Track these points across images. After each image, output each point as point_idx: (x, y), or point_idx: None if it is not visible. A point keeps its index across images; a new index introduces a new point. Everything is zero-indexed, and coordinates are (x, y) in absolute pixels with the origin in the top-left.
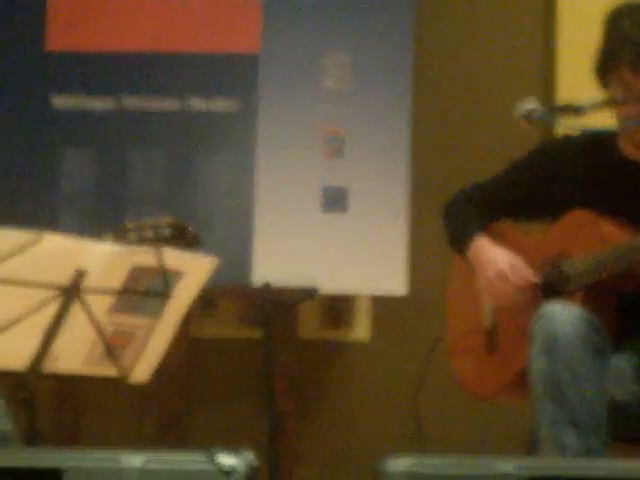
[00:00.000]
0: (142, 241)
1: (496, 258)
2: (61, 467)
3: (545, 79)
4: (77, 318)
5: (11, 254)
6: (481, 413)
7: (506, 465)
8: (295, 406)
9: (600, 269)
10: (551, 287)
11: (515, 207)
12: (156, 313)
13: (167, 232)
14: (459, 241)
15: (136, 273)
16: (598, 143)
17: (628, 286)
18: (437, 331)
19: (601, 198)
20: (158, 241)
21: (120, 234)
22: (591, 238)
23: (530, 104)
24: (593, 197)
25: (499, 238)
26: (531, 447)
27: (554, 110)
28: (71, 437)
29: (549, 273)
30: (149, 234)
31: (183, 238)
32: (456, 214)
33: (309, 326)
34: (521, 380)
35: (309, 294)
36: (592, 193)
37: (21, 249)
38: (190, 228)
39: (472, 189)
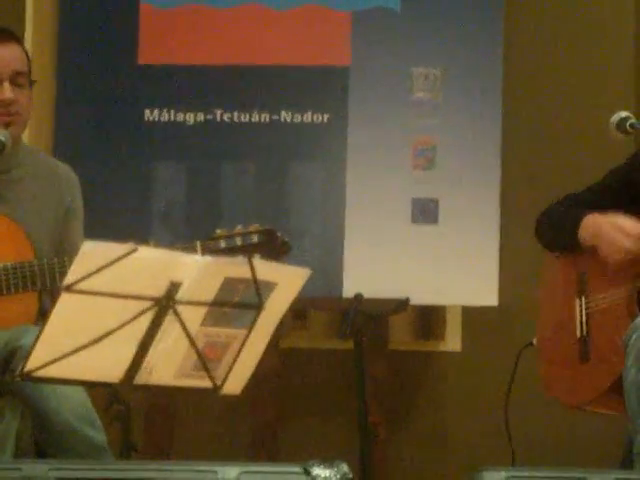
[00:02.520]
0: (231, 249)
1: (612, 219)
2: (157, 478)
3: (637, 90)
4: (170, 330)
5: (106, 266)
6: (572, 423)
7: (605, 478)
8: (386, 417)
9: None
10: None
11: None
12: (249, 325)
13: (256, 238)
14: (565, 231)
15: (229, 284)
16: None
17: None
18: (527, 341)
19: None
20: (247, 248)
21: (209, 242)
22: None
23: (623, 113)
24: None
25: None
26: (626, 461)
27: None
28: (164, 449)
29: None
30: (238, 241)
31: (272, 244)
32: (556, 214)
33: (400, 337)
34: (615, 391)
35: (401, 305)
36: None
37: (116, 261)
38: (279, 234)
39: (566, 199)
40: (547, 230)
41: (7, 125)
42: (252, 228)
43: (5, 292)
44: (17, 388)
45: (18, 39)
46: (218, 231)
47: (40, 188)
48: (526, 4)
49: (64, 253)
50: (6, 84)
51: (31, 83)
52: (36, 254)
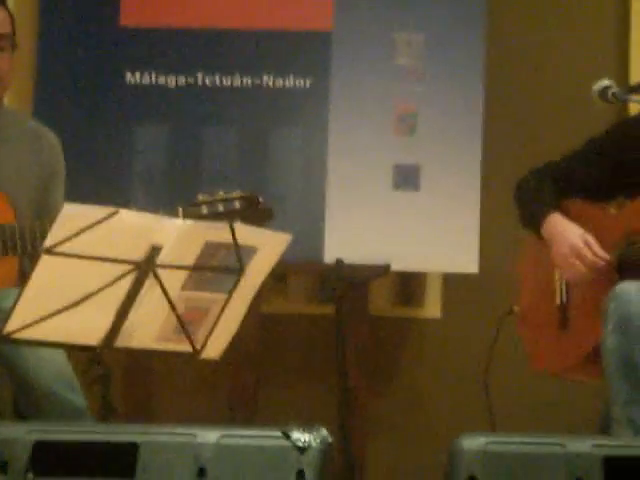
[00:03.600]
0: (213, 214)
1: (569, 234)
2: (137, 441)
3: (619, 59)
4: (151, 294)
5: (86, 229)
6: (551, 389)
7: (582, 445)
8: (366, 382)
9: None
10: (627, 265)
11: (589, 186)
12: (229, 289)
13: (238, 204)
14: (533, 218)
15: (210, 249)
16: None
17: None
18: (507, 308)
19: None
20: (229, 214)
21: (191, 207)
22: None
23: (605, 82)
24: None
25: (574, 214)
26: (603, 427)
27: (629, 89)
28: (144, 412)
29: (625, 251)
30: (220, 207)
31: (254, 211)
32: (529, 192)
33: (380, 303)
34: (593, 358)
35: (381, 271)
36: None
37: (96, 224)
38: (261, 200)
39: (545, 167)
40: (519, 207)
41: None
42: (234, 194)
43: None
44: None
45: (2, 1)
46: (200, 197)
47: (22, 152)
48: None
49: (45, 217)
50: None
51: (14, 46)
52: (17, 218)
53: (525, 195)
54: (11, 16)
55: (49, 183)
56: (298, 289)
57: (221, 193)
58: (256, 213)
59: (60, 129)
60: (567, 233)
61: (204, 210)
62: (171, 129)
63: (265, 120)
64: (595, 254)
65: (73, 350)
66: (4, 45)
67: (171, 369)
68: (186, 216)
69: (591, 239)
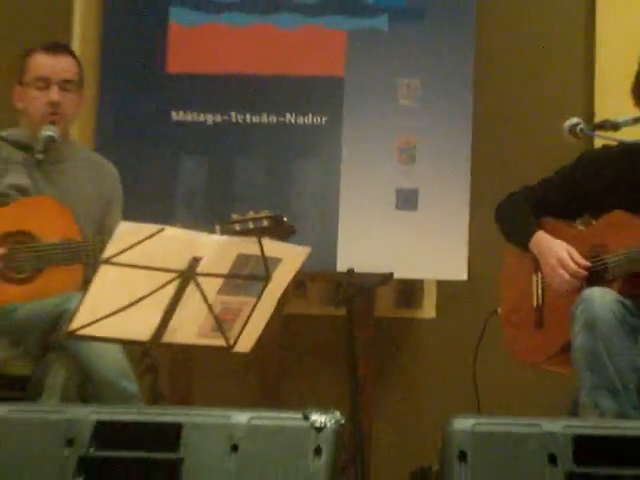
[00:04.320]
0: (245, 231)
1: (556, 248)
2: (180, 422)
3: (586, 100)
4: (192, 297)
5: (138, 243)
6: (529, 378)
7: (555, 425)
8: (372, 372)
9: (635, 262)
10: (592, 275)
11: (560, 207)
12: (258, 294)
13: (265, 223)
14: (520, 235)
15: (241, 260)
16: (632, 153)
17: None
18: (491, 309)
19: (635, 200)
20: (258, 230)
21: (227, 225)
22: (628, 236)
23: (573, 120)
24: (628, 199)
25: (548, 231)
26: (573, 409)
27: (594, 126)
28: (185, 398)
29: (591, 263)
30: (250, 225)
31: (279, 228)
32: (513, 213)
33: (384, 305)
34: (564, 352)
35: (385, 279)
36: (627, 196)
37: (147, 239)
38: (285, 219)
39: (522, 192)
40: (504, 225)
41: (52, 123)
42: (262, 214)
43: (55, 264)
44: (64, 345)
45: (72, 52)
46: (234, 216)
47: (86, 180)
48: (492, 31)
49: (104, 234)
50: (55, 88)
51: (80, 89)
52: (81, 234)
53: (508, 215)
54: (78, 63)
55: (108, 207)
56: (315, 294)
57: (251, 213)
58: (281, 230)
59: (117, 159)
60: (553, 248)
61: (237, 227)
62: (209, 159)
63: (288, 151)
64: (578, 264)
65: (127, 345)
66: (70, 88)
67: (209, 361)
68: (222, 232)
69: (574, 251)
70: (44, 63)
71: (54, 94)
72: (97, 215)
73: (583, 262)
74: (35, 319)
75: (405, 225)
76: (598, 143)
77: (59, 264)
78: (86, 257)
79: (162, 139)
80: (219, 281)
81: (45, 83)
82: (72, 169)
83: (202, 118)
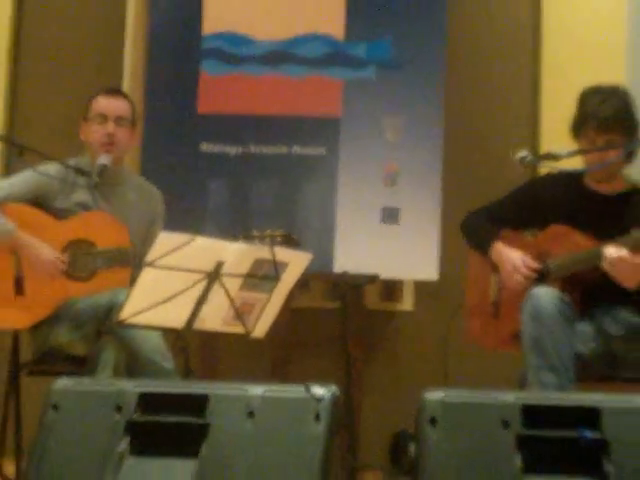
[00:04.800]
0: (262, 242)
1: (512, 256)
2: (207, 393)
3: (533, 133)
4: (217, 293)
5: (174, 250)
6: (488, 357)
7: (508, 396)
8: (362, 355)
9: (573, 265)
10: (538, 275)
11: (513, 222)
12: (270, 291)
13: (279, 239)
14: (483, 245)
15: (257, 263)
16: (571, 179)
17: (590, 277)
18: (458, 303)
19: (574, 217)
20: (272, 242)
21: (249, 239)
22: (568, 244)
23: (523, 152)
24: (568, 216)
25: (504, 240)
26: (522, 384)
27: (539, 157)
28: (212, 374)
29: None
30: (267, 241)
31: (289, 242)
32: (475, 226)
33: (371, 300)
34: (515, 338)
35: (372, 279)
36: (567, 214)
37: (181, 246)
38: (294, 236)
39: (482, 209)
40: (468, 238)
41: (107, 152)
42: (277, 232)
43: (108, 266)
44: (115, 331)
45: (126, 95)
46: (255, 231)
47: (135, 200)
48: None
49: (148, 245)
50: (111, 123)
51: (133, 125)
52: (131, 243)
53: (472, 228)
54: (131, 104)
55: (152, 223)
56: (316, 291)
57: (269, 231)
58: (290, 243)
59: (159, 183)
60: (509, 256)
61: (256, 240)
62: (231, 183)
63: (294, 177)
64: (530, 267)
65: (165, 331)
66: (124, 124)
67: (231, 344)
68: (244, 241)
69: (527, 258)
70: (103, 103)
71: (110, 127)
72: (143, 228)
73: (535, 265)
74: (92, 310)
75: (389, 236)
76: (543, 170)
77: (112, 266)
78: (133, 261)
79: (193, 166)
80: (239, 280)
81: (103, 119)
82: (124, 191)
83: (226, 150)
